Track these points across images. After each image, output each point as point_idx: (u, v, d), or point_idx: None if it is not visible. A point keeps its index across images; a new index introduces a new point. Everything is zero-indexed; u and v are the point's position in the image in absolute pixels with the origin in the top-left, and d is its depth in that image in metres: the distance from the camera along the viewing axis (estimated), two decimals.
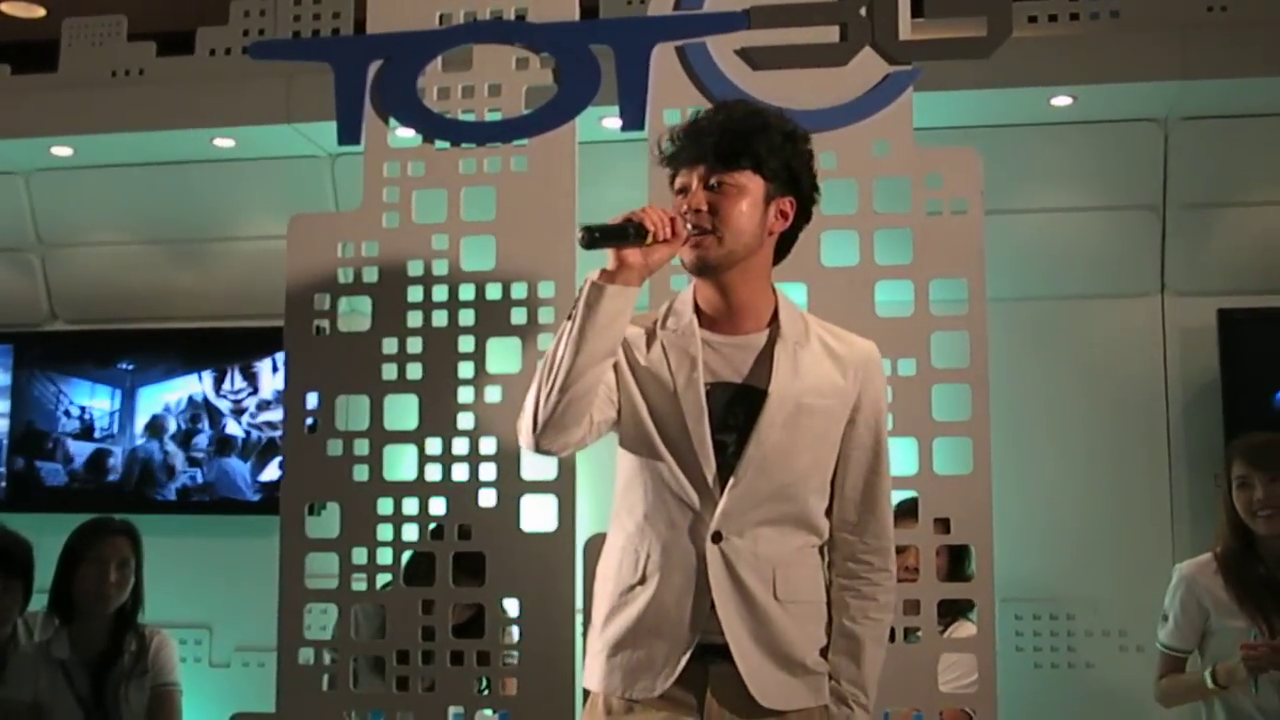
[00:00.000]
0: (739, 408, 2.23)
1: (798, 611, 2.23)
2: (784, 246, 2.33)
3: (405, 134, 3.17)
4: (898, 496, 2.97)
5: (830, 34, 2.99)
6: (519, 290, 3.05)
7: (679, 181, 2.25)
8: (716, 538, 2.19)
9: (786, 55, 3.00)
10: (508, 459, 2.99)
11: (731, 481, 2.20)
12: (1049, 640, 4.64)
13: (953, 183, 2.94)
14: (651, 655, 2.20)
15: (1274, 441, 3.34)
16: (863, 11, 2.97)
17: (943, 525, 2.90)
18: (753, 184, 2.21)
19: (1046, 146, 4.60)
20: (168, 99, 4.69)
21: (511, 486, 2.99)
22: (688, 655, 2.19)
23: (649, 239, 2.12)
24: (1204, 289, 4.63)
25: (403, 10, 3.17)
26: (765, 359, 2.25)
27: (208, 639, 5.05)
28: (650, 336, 2.28)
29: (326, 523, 3.09)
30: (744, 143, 2.20)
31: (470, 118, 3.14)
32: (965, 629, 3.42)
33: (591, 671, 2.28)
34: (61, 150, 4.96)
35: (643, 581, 2.22)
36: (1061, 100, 4.34)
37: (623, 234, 2.12)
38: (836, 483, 2.32)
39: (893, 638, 2.83)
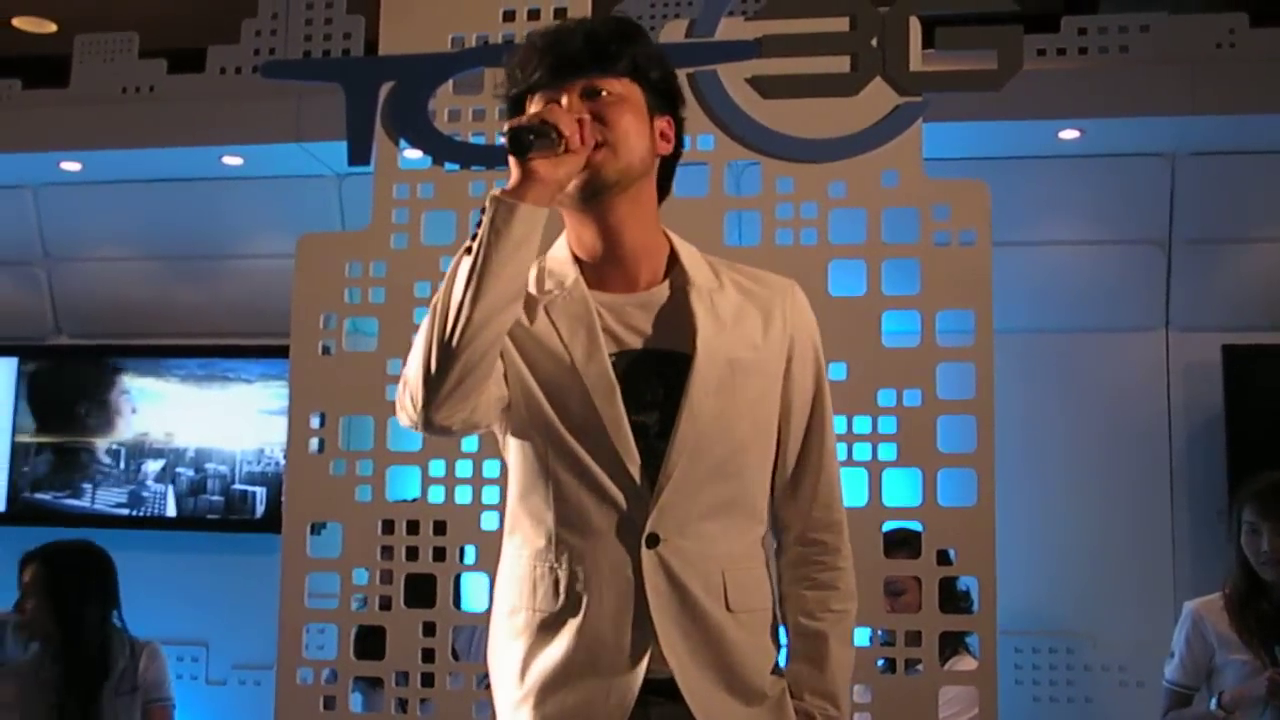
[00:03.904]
0: (654, 379, 1.83)
1: (751, 622, 1.85)
2: (664, 184, 1.95)
3: (415, 155, 3.18)
4: (892, 526, 2.99)
5: (841, 64, 2.99)
6: None
7: (536, 104, 1.83)
8: (652, 541, 1.78)
9: (797, 84, 3.00)
10: None
11: (664, 470, 1.79)
12: (1048, 674, 4.62)
13: (961, 214, 2.94)
14: (589, 700, 1.77)
15: None
16: (874, 42, 2.98)
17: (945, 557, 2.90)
18: (633, 93, 1.84)
19: (1053, 179, 4.61)
20: (178, 116, 4.70)
21: None
22: (633, 697, 1.77)
23: (562, 146, 1.73)
24: (1209, 324, 4.64)
25: (415, 32, 3.18)
26: (674, 315, 1.85)
27: (204, 656, 5.03)
28: (528, 304, 1.85)
29: (328, 542, 3.09)
30: (620, 46, 1.84)
31: (481, 140, 3.15)
32: (965, 662, 3.40)
33: None
34: (70, 165, 4.97)
35: (569, 607, 1.79)
36: (1069, 134, 4.35)
37: (547, 135, 1.72)
38: (779, 446, 1.93)
39: (893, 669, 2.83)
